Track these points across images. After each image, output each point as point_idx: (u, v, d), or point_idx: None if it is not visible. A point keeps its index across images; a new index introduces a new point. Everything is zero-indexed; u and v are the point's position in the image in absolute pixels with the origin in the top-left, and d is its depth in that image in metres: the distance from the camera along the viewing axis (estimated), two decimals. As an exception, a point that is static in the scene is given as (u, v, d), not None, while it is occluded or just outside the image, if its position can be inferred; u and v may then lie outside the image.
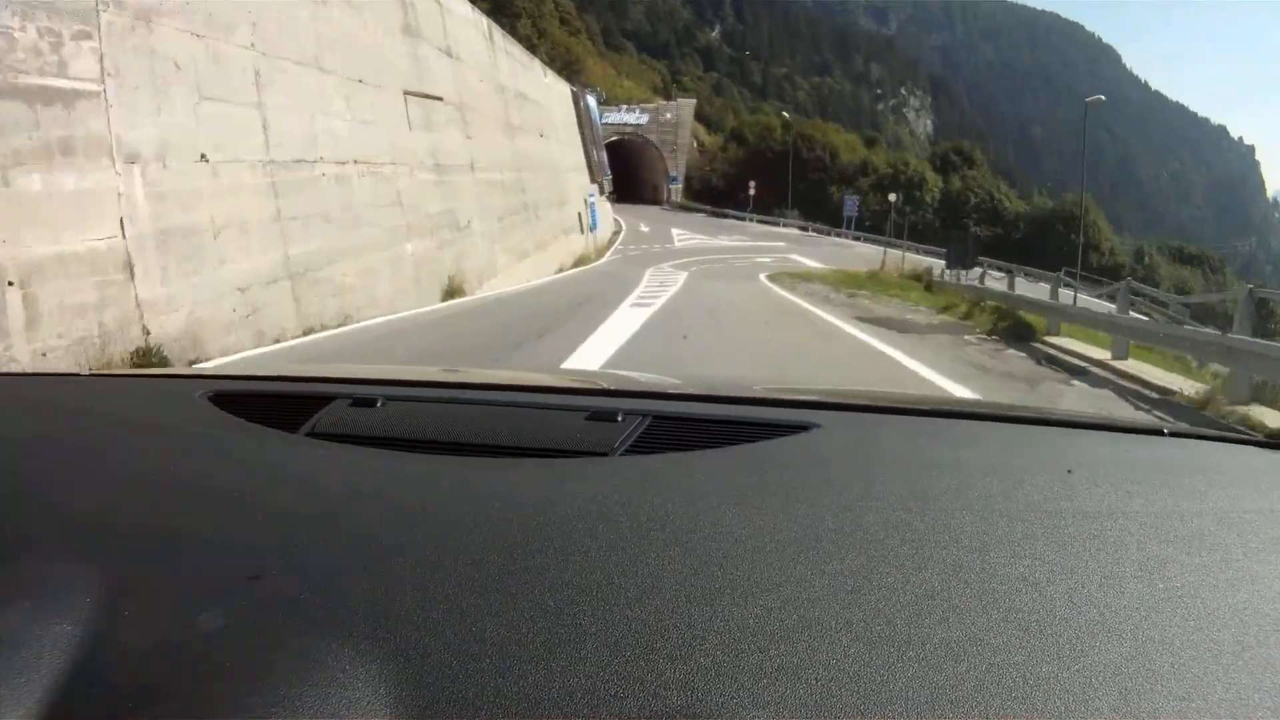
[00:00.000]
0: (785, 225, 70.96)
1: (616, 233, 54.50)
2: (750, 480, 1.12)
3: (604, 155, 57.95)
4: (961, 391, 9.03)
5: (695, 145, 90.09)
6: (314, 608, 0.81)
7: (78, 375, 1.88)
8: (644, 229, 58.79)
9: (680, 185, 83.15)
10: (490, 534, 0.94)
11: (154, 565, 0.90)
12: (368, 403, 1.39)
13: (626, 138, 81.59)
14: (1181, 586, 0.85)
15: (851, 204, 64.47)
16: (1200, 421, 8.37)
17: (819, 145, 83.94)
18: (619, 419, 1.31)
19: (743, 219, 72.44)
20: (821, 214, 71.38)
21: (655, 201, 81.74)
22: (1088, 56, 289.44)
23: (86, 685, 0.71)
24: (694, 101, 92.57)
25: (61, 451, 1.27)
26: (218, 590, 0.84)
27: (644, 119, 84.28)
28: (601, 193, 51.98)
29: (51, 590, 0.83)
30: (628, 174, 78.93)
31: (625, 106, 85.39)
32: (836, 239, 62.53)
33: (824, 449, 1.28)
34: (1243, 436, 1.40)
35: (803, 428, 1.31)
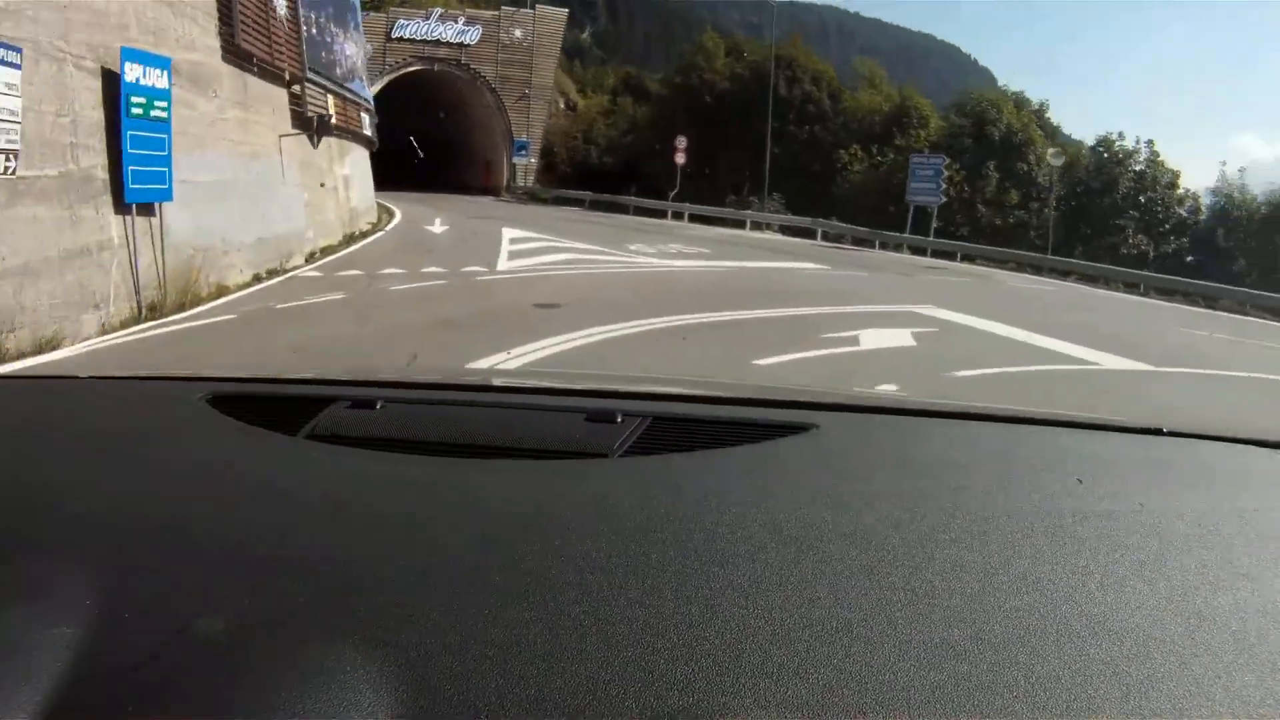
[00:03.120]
0: (765, 225, 37.81)
1: (356, 236, 23.39)
2: (750, 481, 1.13)
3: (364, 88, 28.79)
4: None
5: (563, 106, 56.26)
6: (314, 610, 0.81)
7: (77, 378, 1.79)
8: (437, 230, 26.85)
9: (532, 161, 50.15)
10: (490, 536, 0.95)
11: (153, 568, 0.91)
12: (367, 405, 1.38)
13: (438, 69, 48.05)
14: (1180, 585, 0.86)
15: (929, 175, 34.25)
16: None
17: (807, 78, 45.32)
18: (618, 420, 1.29)
19: (679, 216, 38.96)
20: (814, 199, 39.34)
21: (489, 189, 49.30)
22: (964, 78, 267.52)
23: (86, 687, 0.71)
24: (564, 13, 51.91)
25: (61, 454, 1.27)
26: (217, 593, 0.84)
27: (471, 35, 48.55)
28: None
29: (51, 592, 0.83)
30: (439, 139, 51.80)
31: (440, 13, 48.03)
32: (935, 264, 29.06)
33: (823, 449, 1.28)
34: (1242, 436, 1.39)
35: (802, 428, 1.31)
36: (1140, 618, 0.80)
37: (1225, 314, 23.05)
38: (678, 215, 38.07)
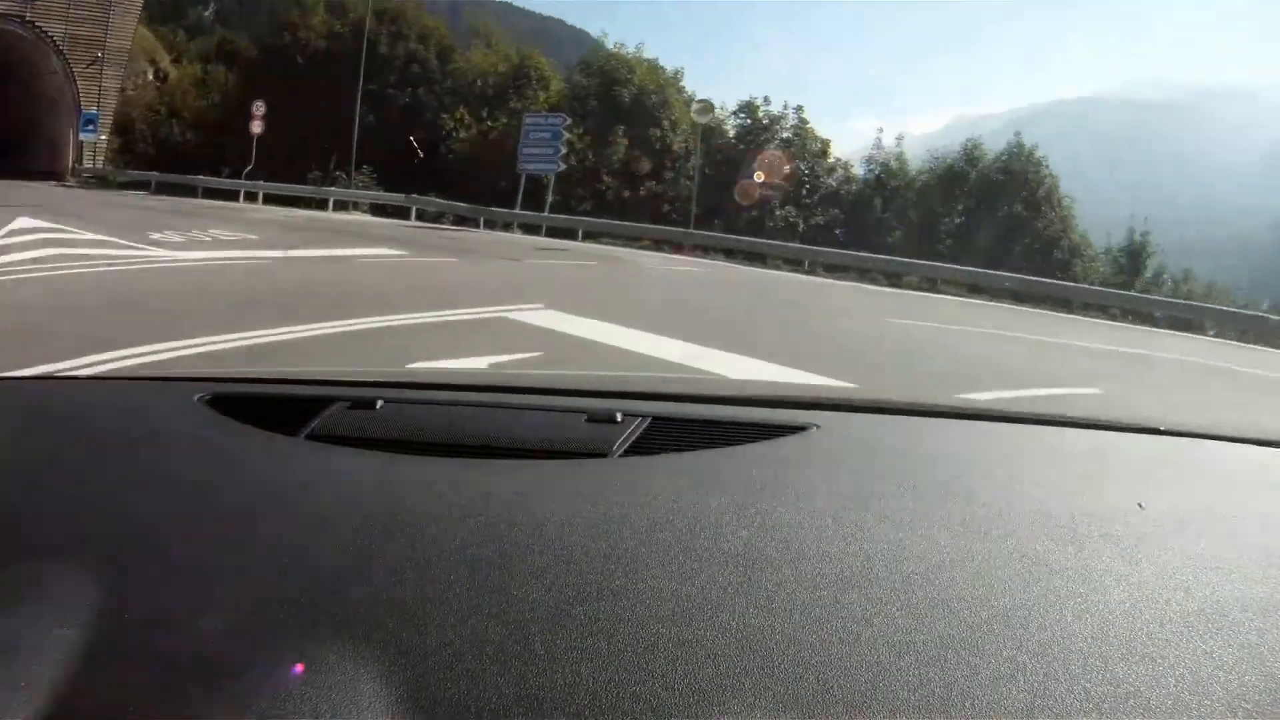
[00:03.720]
0: (354, 205, 32.41)
1: None
2: (749, 482, 1.13)
3: None
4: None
5: (151, 76, 46.30)
6: (314, 610, 0.81)
7: (75, 378, 1.95)
8: None
9: (102, 139, 40.00)
10: (490, 536, 0.95)
11: (154, 569, 0.91)
12: (367, 405, 1.38)
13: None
14: (1181, 584, 0.87)
15: (546, 139, 29.55)
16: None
17: (414, 35, 38.78)
18: (618, 420, 1.29)
19: (254, 196, 32.52)
20: (416, 172, 33.45)
21: (54, 173, 38.69)
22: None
23: (87, 688, 0.71)
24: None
25: (60, 455, 1.27)
26: (218, 593, 0.85)
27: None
28: None
29: (51, 594, 0.84)
30: None
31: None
32: (552, 245, 24.93)
33: (822, 450, 1.29)
34: (1240, 436, 1.41)
35: (801, 429, 1.31)
36: (1142, 617, 0.80)
37: (911, 291, 21.52)
38: (252, 196, 31.51)
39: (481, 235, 24.91)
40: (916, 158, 33.89)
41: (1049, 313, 20.56)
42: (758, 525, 0.97)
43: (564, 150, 28.72)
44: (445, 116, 35.78)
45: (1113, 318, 21.50)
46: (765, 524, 0.98)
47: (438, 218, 28.49)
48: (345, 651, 0.73)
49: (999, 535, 0.96)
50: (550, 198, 27.81)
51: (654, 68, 36.08)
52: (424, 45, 38.41)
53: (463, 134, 35.25)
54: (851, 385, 6.21)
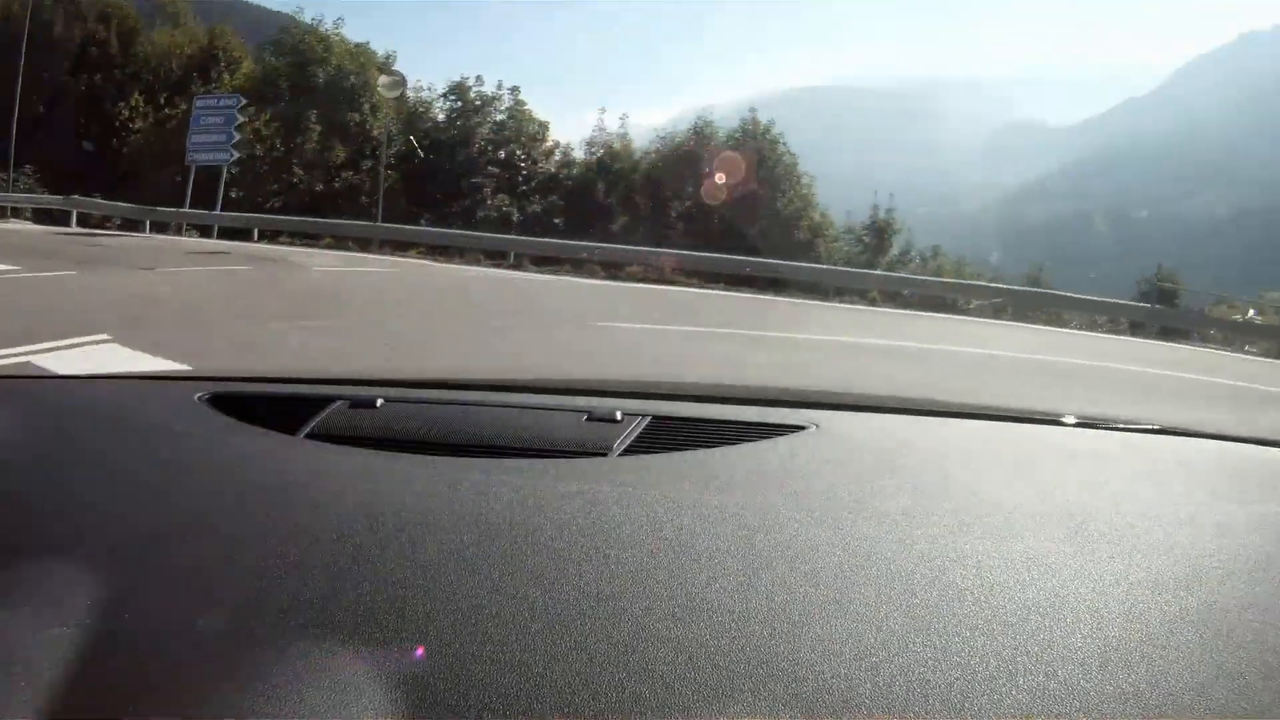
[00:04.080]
0: (12, 210, 26.86)
1: None
2: (747, 481, 1.15)
3: None
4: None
5: None
6: (314, 609, 0.82)
7: (76, 378, 1.86)
8: None
9: None
10: (490, 535, 0.96)
11: (154, 568, 0.92)
12: (367, 404, 1.39)
13: None
14: (1177, 582, 0.88)
15: (217, 125, 25.66)
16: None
17: (93, 14, 33.81)
18: (618, 419, 1.31)
19: None
20: (88, 171, 29.04)
21: None
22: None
23: (86, 687, 0.72)
24: None
25: (61, 455, 1.28)
26: (218, 593, 0.85)
27: None
28: None
29: (52, 593, 0.84)
30: None
31: None
32: (216, 247, 21.70)
33: (820, 449, 1.30)
34: (1238, 435, 1.41)
35: (800, 428, 1.33)
36: (1142, 617, 0.80)
37: (634, 284, 18.92)
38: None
39: (137, 241, 21.17)
40: (645, 141, 31.20)
41: (796, 300, 18.76)
42: (756, 524, 0.98)
43: (237, 137, 25.03)
44: (120, 105, 31.04)
45: (872, 302, 19.97)
46: (764, 523, 0.99)
47: (102, 222, 24.36)
48: (345, 651, 0.74)
49: (997, 534, 0.97)
50: (226, 193, 24.27)
51: (356, 48, 32.28)
52: (104, 25, 33.34)
53: (139, 124, 30.71)
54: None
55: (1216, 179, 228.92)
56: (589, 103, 47.70)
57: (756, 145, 29.24)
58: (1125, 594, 0.84)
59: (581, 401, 1.44)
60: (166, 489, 1.12)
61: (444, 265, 19.85)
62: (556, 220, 28.69)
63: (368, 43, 33.92)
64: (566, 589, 0.84)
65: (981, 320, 18.82)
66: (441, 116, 31.26)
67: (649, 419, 1.32)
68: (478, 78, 31.38)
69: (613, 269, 20.61)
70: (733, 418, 1.37)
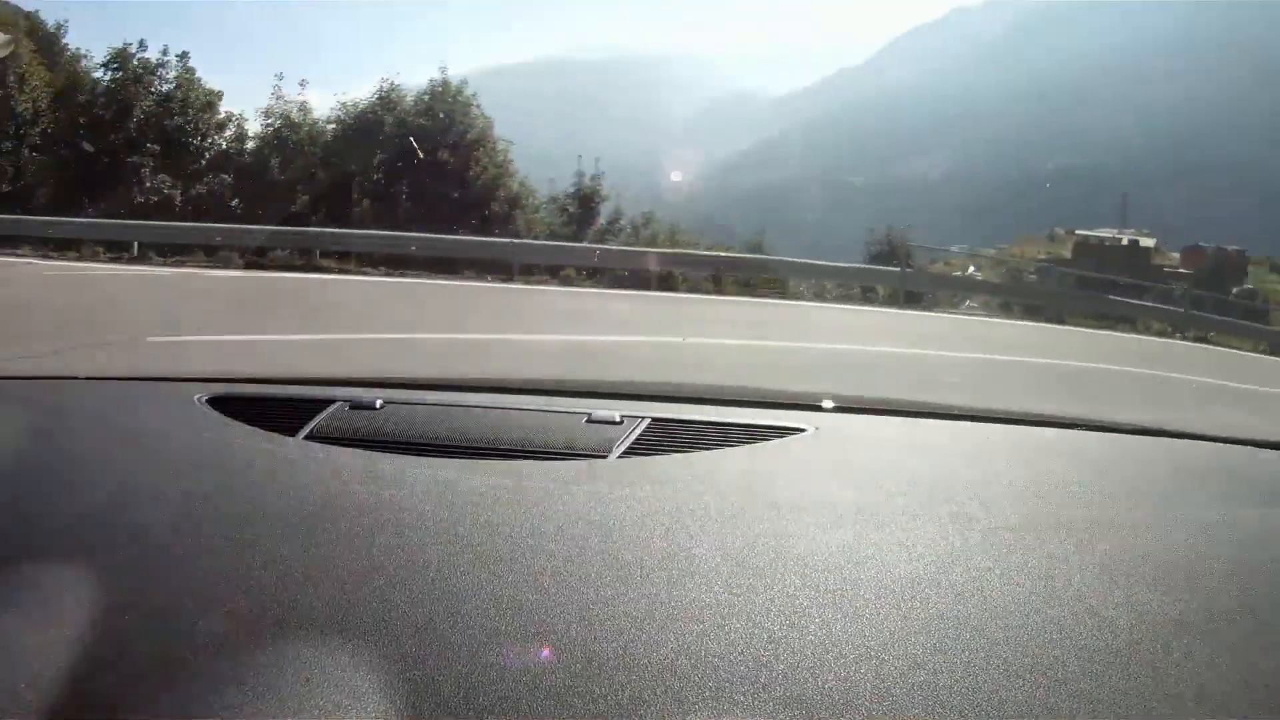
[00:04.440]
0: None
1: None
2: (746, 483, 1.17)
3: None
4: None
5: None
6: (315, 609, 0.82)
7: (75, 379, 1.80)
8: None
9: None
10: (490, 536, 0.96)
11: (153, 568, 0.92)
12: (367, 405, 1.39)
13: None
14: (1178, 582, 0.88)
15: None
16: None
17: None
18: (618, 421, 1.33)
19: None
20: None
21: None
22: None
23: (87, 687, 0.72)
24: None
25: (62, 456, 1.28)
26: (218, 593, 0.85)
27: None
28: None
29: (53, 593, 0.84)
30: None
31: None
32: None
33: (815, 450, 1.31)
34: (1237, 438, 1.39)
35: (798, 430, 1.34)
36: (1142, 617, 0.81)
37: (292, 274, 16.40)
38: None
39: None
40: (330, 112, 27.23)
41: (492, 284, 16.89)
42: (755, 526, 0.99)
43: None
44: None
45: (565, 281, 18.29)
46: (762, 525, 1.00)
47: None
48: (344, 650, 0.74)
49: (995, 535, 0.97)
50: None
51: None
52: None
53: None
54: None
55: (928, 144, 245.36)
56: (271, 77, 43.36)
57: (447, 109, 26.26)
58: (1124, 594, 0.84)
59: (581, 403, 1.44)
60: (167, 490, 1.13)
61: (60, 262, 16.59)
62: (234, 202, 25.29)
63: (37, 12, 29.34)
64: (566, 589, 0.84)
65: (699, 297, 17.20)
66: (103, 89, 26.74)
67: (648, 420, 1.32)
68: (140, 43, 27.17)
69: (257, 255, 18.05)
70: (731, 420, 1.38)
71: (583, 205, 25.74)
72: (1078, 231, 54.91)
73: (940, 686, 0.69)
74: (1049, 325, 17.86)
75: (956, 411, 1.60)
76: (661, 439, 1.27)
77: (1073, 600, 0.83)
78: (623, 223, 26.09)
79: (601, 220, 26.01)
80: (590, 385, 1.76)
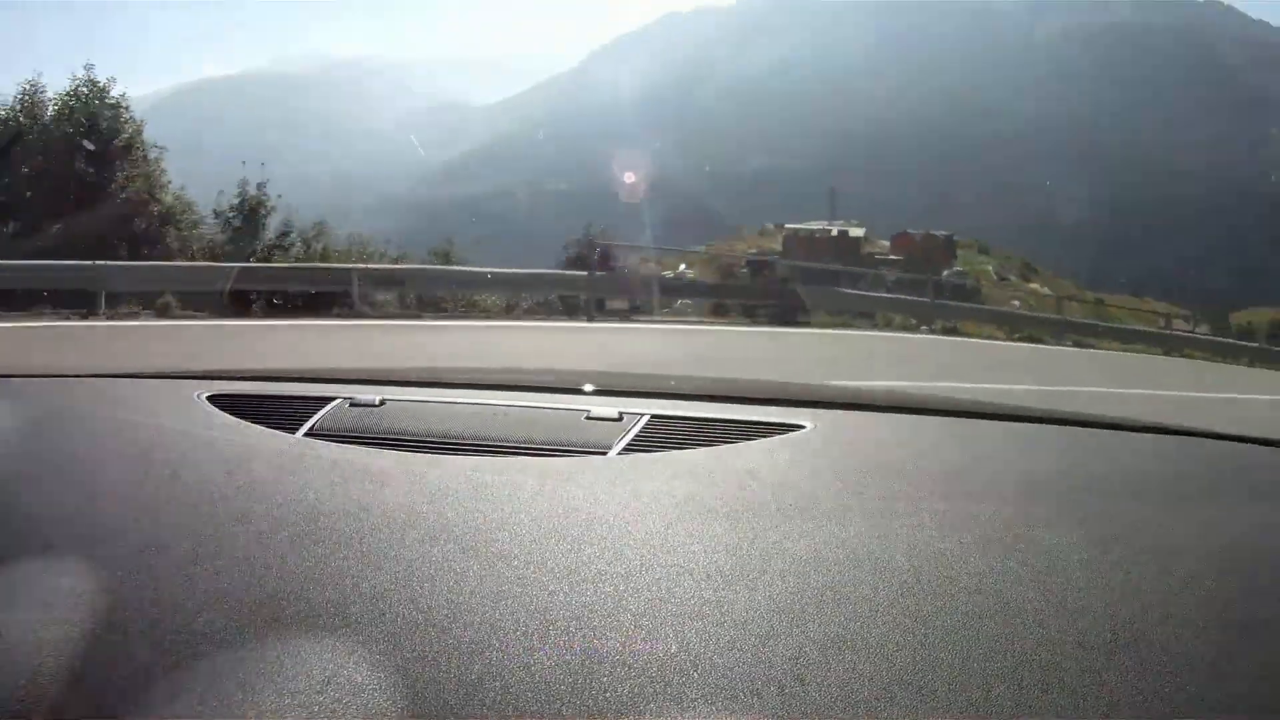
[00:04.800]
0: None
1: None
2: (743, 479, 1.15)
3: None
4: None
5: None
6: (315, 608, 0.82)
7: (76, 376, 1.82)
8: None
9: None
10: (490, 533, 0.96)
11: (154, 567, 0.91)
12: (367, 403, 1.39)
13: None
14: (1178, 582, 0.88)
15: None
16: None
17: None
18: (618, 417, 1.32)
19: None
20: None
21: None
22: None
23: (87, 685, 0.72)
24: None
25: (62, 454, 1.26)
26: (218, 591, 0.85)
27: None
28: None
29: (52, 591, 0.84)
30: None
31: None
32: None
33: (815, 447, 1.30)
34: (1239, 435, 1.38)
35: (797, 426, 1.32)
36: (1143, 616, 0.81)
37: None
38: None
39: None
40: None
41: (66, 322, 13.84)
42: (755, 523, 0.99)
43: None
44: None
45: (162, 311, 15.07)
46: (762, 522, 1.00)
47: None
48: (344, 647, 0.75)
49: (995, 533, 0.96)
50: None
51: None
52: None
53: None
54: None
55: (636, 145, 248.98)
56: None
57: (92, 112, 22.76)
58: (1125, 593, 0.84)
59: (581, 400, 1.44)
60: (167, 488, 1.12)
61: None
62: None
63: None
64: (567, 587, 0.84)
65: (346, 323, 14.69)
66: None
67: (648, 417, 1.31)
68: None
69: None
70: (731, 416, 1.36)
71: (249, 218, 22.98)
72: (787, 225, 55.48)
73: (940, 685, 0.70)
74: (780, 330, 16.23)
75: (958, 408, 1.59)
76: (661, 435, 1.27)
77: (1073, 600, 0.83)
78: (293, 236, 23.40)
79: (269, 234, 23.31)
80: (591, 383, 1.67)
